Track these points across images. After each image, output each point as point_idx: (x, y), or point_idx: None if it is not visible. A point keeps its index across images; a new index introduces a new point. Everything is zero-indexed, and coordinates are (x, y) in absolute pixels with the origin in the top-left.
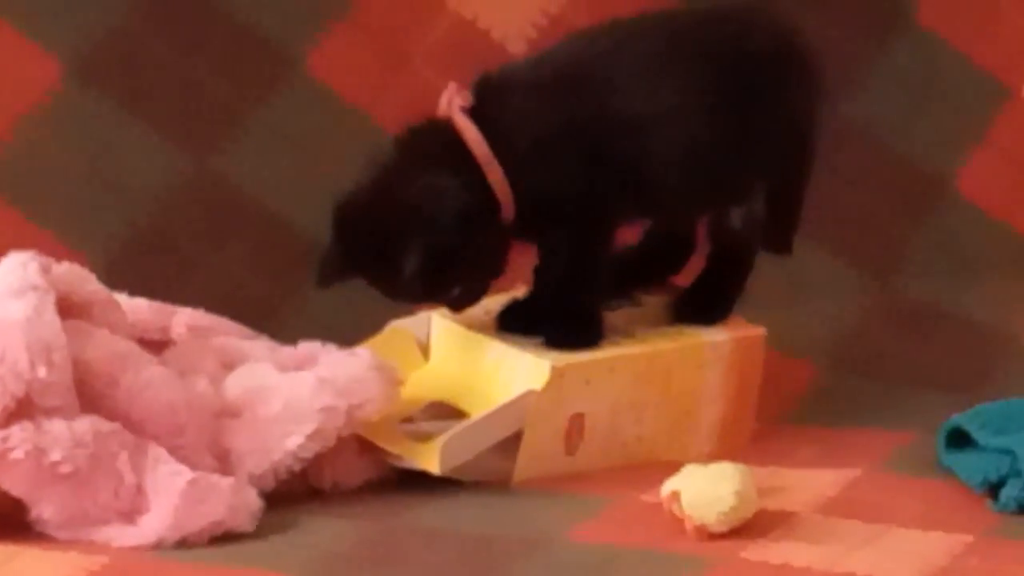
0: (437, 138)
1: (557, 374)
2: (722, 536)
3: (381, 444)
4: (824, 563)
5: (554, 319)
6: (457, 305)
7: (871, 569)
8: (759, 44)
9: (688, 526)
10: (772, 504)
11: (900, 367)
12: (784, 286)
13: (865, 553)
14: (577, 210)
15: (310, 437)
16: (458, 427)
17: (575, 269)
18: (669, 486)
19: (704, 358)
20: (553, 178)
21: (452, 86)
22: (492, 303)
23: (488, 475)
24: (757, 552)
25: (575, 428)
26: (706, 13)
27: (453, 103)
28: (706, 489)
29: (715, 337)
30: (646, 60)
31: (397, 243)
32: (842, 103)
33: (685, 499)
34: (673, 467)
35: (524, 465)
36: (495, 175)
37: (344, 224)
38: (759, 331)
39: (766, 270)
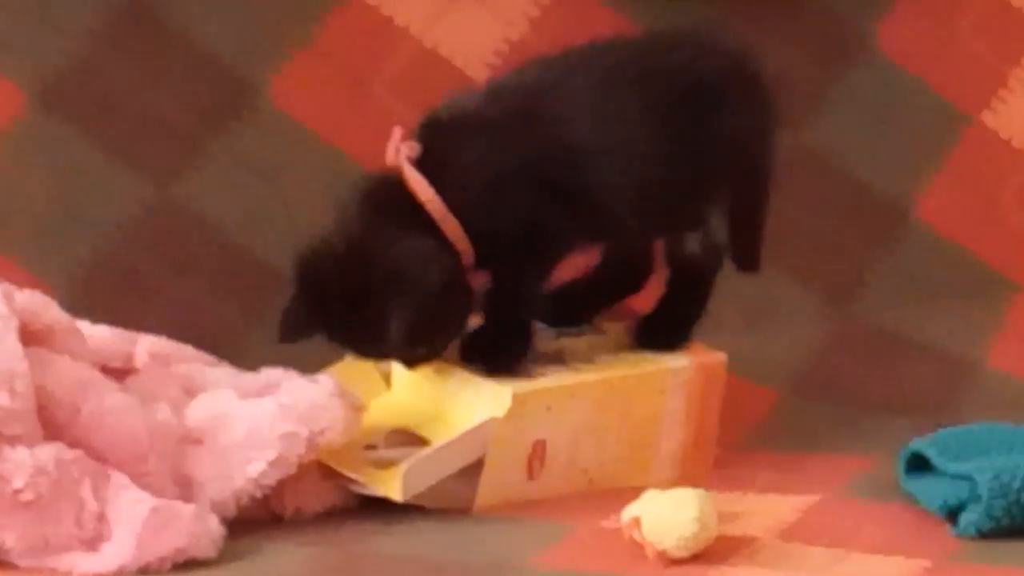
0: (393, 193)
1: (518, 401)
2: (683, 561)
3: (343, 471)
4: None
5: (484, 338)
6: (419, 362)
7: None
8: (707, 69)
9: (649, 552)
10: (733, 529)
11: (861, 393)
12: (745, 312)
13: None
14: (530, 244)
15: (271, 464)
16: (420, 454)
17: (519, 294)
18: (630, 512)
19: (665, 384)
20: (507, 217)
21: (396, 134)
22: None
23: (450, 502)
24: None
25: (537, 454)
26: (655, 39)
27: (400, 153)
28: (666, 515)
29: (676, 363)
30: (593, 91)
31: (379, 307)
32: (802, 130)
33: (646, 525)
34: (634, 493)
35: (486, 491)
36: (453, 230)
37: (312, 282)
38: (720, 357)
39: (727, 296)
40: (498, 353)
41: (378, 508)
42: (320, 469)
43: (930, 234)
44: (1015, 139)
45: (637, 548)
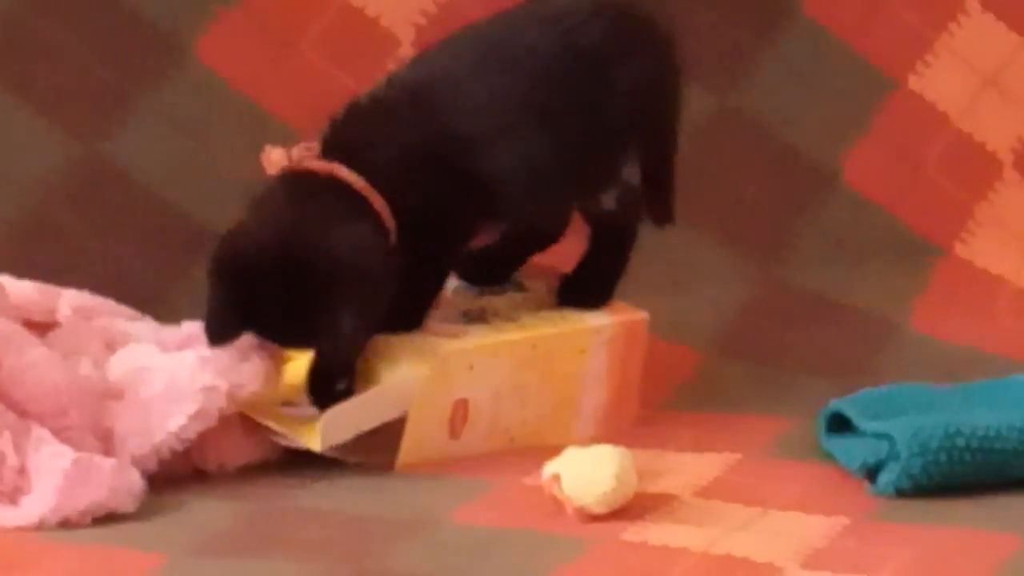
0: (310, 184)
1: (441, 359)
2: (602, 518)
3: (264, 422)
4: (702, 544)
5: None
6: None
7: (749, 551)
8: (593, 31)
9: (569, 508)
10: (652, 487)
11: (783, 354)
12: (669, 273)
13: (744, 535)
14: (436, 227)
15: (191, 417)
16: (339, 405)
17: (427, 271)
18: (550, 469)
19: (587, 343)
20: (414, 201)
21: (300, 147)
22: None
23: (371, 458)
24: (636, 534)
25: (459, 413)
26: (540, 7)
27: (305, 157)
28: (586, 472)
29: (598, 322)
30: (478, 76)
31: (325, 299)
32: (728, 93)
33: (565, 481)
34: (556, 451)
35: (408, 449)
36: (382, 207)
37: (238, 279)
38: (642, 315)
39: (651, 257)
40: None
41: (301, 463)
42: (243, 423)
43: (855, 197)
44: (940, 103)
45: (557, 504)
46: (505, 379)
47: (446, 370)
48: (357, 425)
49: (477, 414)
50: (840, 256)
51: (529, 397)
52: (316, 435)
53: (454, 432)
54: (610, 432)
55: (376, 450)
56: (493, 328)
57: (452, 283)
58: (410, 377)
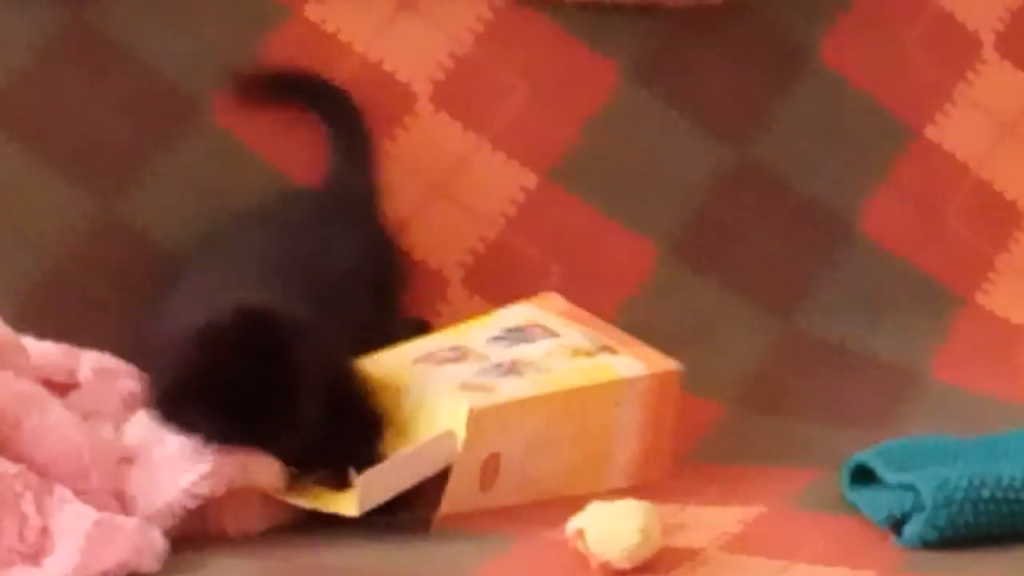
0: None
1: (474, 417)
2: (627, 573)
3: (290, 500)
4: None
5: None
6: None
7: None
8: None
9: (593, 563)
10: (677, 541)
11: (805, 405)
12: (690, 326)
13: None
14: None
15: (203, 476)
16: (376, 467)
17: None
18: (574, 524)
19: (621, 395)
20: None
21: None
22: (411, 350)
23: (400, 515)
24: None
25: (490, 467)
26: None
27: None
28: (610, 526)
29: (632, 373)
30: None
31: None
32: (746, 144)
33: (590, 536)
34: (580, 503)
35: (445, 504)
36: None
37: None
38: (674, 366)
39: (671, 310)
40: None
41: (323, 521)
42: (263, 491)
43: (874, 247)
44: (959, 152)
45: (581, 560)
46: (538, 432)
47: (480, 427)
48: (393, 486)
49: (508, 467)
50: (860, 306)
51: (561, 449)
52: (353, 500)
53: (484, 485)
54: (643, 482)
55: (403, 506)
56: (527, 381)
57: (485, 333)
58: (447, 435)
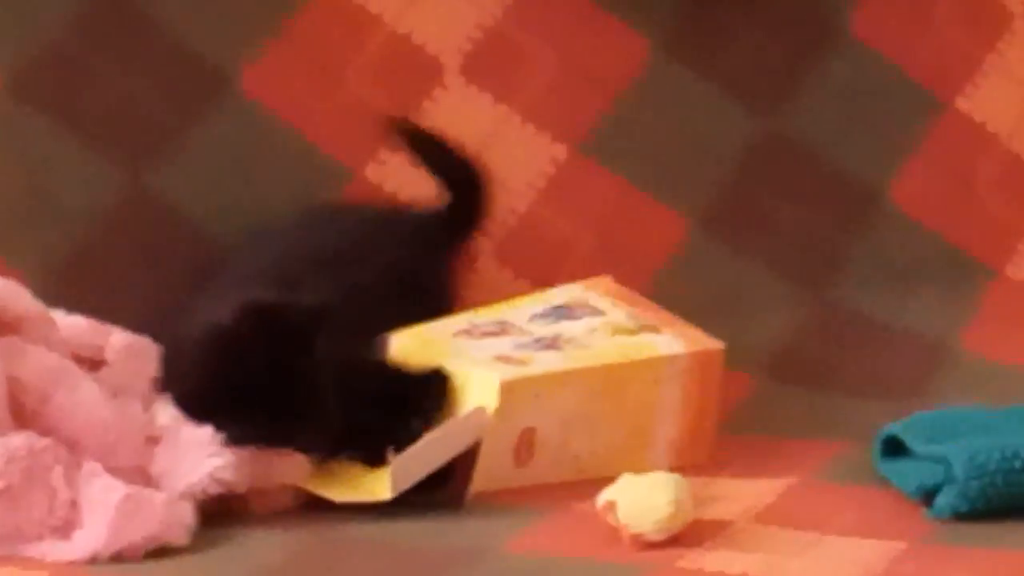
0: None
1: (506, 389)
2: (658, 545)
3: (320, 493)
4: (760, 570)
5: None
6: None
7: None
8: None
9: (624, 535)
10: (708, 513)
11: (836, 377)
12: (720, 298)
13: (801, 561)
14: None
15: (229, 464)
16: (409, 449)
17: None
18: (605, 496)
19: (660, 372)
20: None
21: None
22: (453, 323)
23: (434, 492)
24: (693, 560)
25: (525, 442)
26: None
27: None
28: (642, 498)
29: (672, 350)
30: None
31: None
32: (776, 116)
33: (621, 508)
34: (611, 478)
35: (477, 480)
36: None
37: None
38: (718, 345)
39: (701, 284)
40: None
41: None
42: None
43: (904, 219)
44: (989, 123)
45: (612, 532)
46: (574, 408)
47: (511, 399)
48: (426, 465)
49: (544, 443)
50: (891, 279)
51: (600, 427)
52: (385, 483)
53: (520, 460)
54: (686, 463)
55: (437, 483)
56: (563, 356)
57: (531, 310)
58: (477, 411)
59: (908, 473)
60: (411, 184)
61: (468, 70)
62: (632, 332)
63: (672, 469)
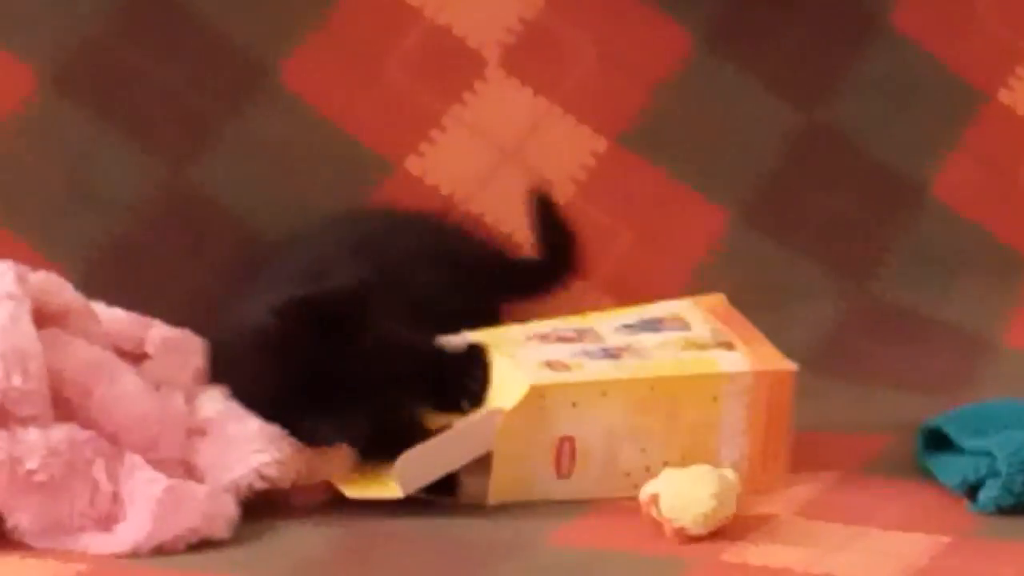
0: None
1: (536, 393)
2: (701, 538)
3: (340, 487)
4: (803, 564)
5: None
6: None
7: (850, 570)
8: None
9: (667, 529)
10: (751, 507)
11: (878, 370)
12: (762, 291)
13: (844, 554)
14: None
15: (276, 461)
16: (416, 448)
17: None
18: (648, 489)
19: (718, 390)
20: None
21: None
22: (534, 327)
23: (469, 497)
24: (736, 554)
25: (565, 452)
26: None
27: None
28: (685, 492)
29: (732, 368)
30: None
31: None
32: (818, 108)
33: (664, 502)
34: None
35: (501, 487)
36: None
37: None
38: (788, 367)
39: (743, 275)
40: None
41: None
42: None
43: (947, 212)
44: None
45: (655, 525)
46: (618, 420)
47: (542, 404)
48: (441, 465)
49: (587, 454)
50: (933, 271)
51: (652, 443)
52: (394, 483)
53: (561, 471)
54: (756, 488)
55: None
56: (615, 365)
57: (621, 320)
58: (493, 414)
59: (951, 467)
60: (450, 177)
61: (509, 63)
62: (703, 347)
63: (742, 494)
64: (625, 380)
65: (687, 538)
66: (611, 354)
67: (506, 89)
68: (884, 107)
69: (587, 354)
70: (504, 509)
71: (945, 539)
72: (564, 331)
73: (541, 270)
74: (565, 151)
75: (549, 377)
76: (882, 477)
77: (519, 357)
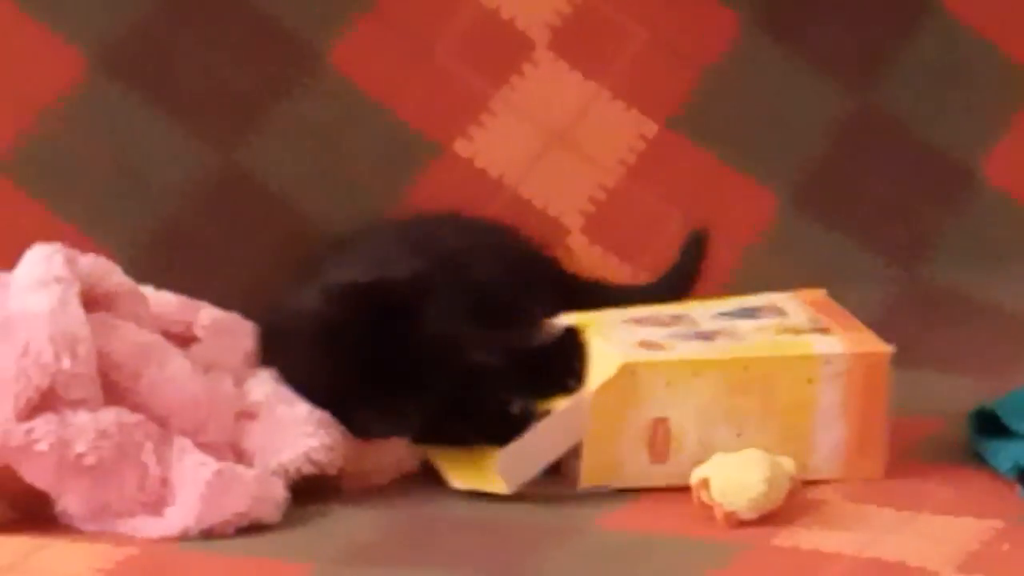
0: None
1: (627, 372)
2: (752, 523)
3: (447, 477)
4: (854, 549)
5: None
6: None
7: (901, 554)
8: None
9: (718, 513)
10: (801, 492)
11: (929, 354)
12: (810, 274)
13: (895, 539)
14: None
15: (326, 446)
16: (517, 441)
17: None
18: (698, 473)
19: (814, 372)
20: None
21: None
22: (633, 312)
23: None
24: (787, 538)
25: (659, 434)
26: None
27: None
28: (735, 476)
29: (827, 350)
30: None
31: None
32: (868, 91)
33: (715, 486)
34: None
35: (594, 472)
36: None
37: None
38: (884, 349)
39: (793, 259)
40: None
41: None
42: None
43: (997, 195)
44: None
45: (706, 509)
46: (712, 401)
47: (634, 383)
48: (543, 455)
49: (681, 437)
50: (983, 255)
51: (747, 425)
52: (498, 478)
53: (656, 455)
54: (856, 474)
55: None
56: (708, 346)
57: (720, 308)
58: (585, 393)
59: (1003, 451)
60: (499, 160)
61: (557, 45)
62: (799, 332)
63: (843, 482)
64: (719, 360)
65: (737, 522)
66: (705, 336)
67: (555, 72)
68: (934, 89)
69: (681, 336)
70: (554, 495)
71: (997, 524)
72: (661, 316)
73: (649, 293)
74: (614, 134)
75: (641, 356)
76: (933, 462)
77: (612, 338)
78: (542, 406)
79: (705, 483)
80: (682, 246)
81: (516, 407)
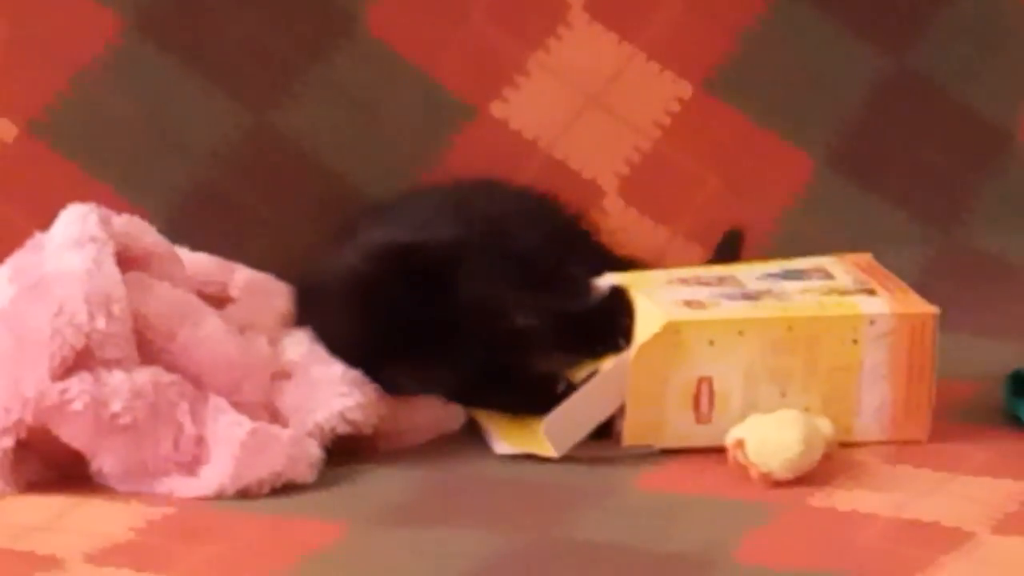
0: None
1: (671, 329)
2: (787, 483)
3: (492, 430)
4: (891, 509)
5: None
6: None
7: (938, 515)
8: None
9: (753, 473)
10: (837, 453)
11: (965, 317)
12: (849, 237)
13: (932, 500)
14: None
15: (360, 404)
16: (561, 405)
17: None
18: (734, 434)
19: (858, 332)
20: None
21: None
22: (678, 272)
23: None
24: (823, 499)
25: (704, 393)
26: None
27: None
28: (771, 437)
29: (871, 310)
30: None
31: None
32: (905, 54)
33: (750, 447)
34: None
35: (637, 430)
36: None
37: None
38: (930, 310)
39: (830, 221)
40: None
41: (479, 432)
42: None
43: None
44: None
45: (741, 470)
46: (756, 360)
47: (678, 341)
48: (590, 418)
49: (726, 397)
50: (1019, 217)
51: (791, 385)
52: (547, 441)
53: (701, 415)
54: (901, 436)
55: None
56: (753, 306)
57: (766, 270)
58: (627, 354)
59: None
60: (534, 122)
61: (593, 7)
62: (845, 293)
63: (888, 443)
64: (763, 319)
65: (773, 483)
66: (751, 297)
67: (590, 34)
68: (971, 53)
69: (726, 296)
70: (597, 456)
71: None
72: (706, 277)
73: None
74: (650, 97)
75: (685, 314)
76: (970, 423)
77: (656, 297)
78: (590, 367)
79: (740, 444)
80: (717, 245)
81: (561, 385)
